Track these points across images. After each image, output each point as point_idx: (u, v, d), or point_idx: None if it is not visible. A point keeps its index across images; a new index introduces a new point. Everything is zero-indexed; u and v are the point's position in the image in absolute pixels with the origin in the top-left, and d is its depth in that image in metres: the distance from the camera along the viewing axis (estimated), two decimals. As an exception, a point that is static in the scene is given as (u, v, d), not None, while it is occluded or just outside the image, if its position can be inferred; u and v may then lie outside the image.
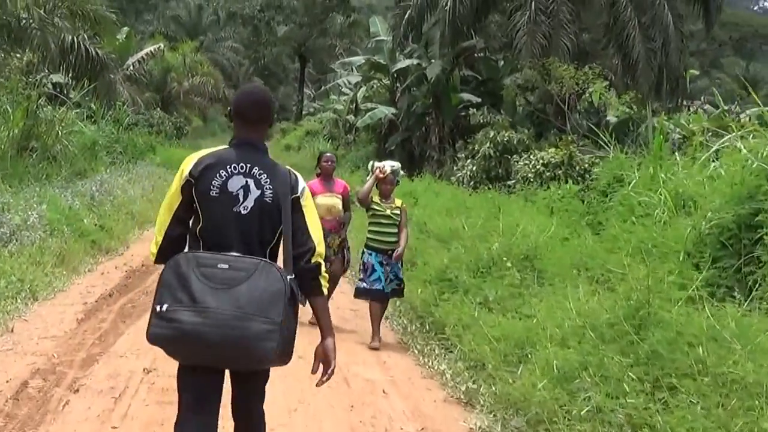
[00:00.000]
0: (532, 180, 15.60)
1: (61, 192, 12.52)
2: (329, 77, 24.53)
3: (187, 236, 3.21)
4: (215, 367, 3.11)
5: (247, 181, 3.14)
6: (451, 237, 9.88)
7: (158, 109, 29.78)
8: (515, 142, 17.76)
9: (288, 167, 3.28)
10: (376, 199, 7.52)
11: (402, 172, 7.87)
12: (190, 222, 3.20)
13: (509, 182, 16.71)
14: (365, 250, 7.48)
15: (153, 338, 3.01)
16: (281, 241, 3.18)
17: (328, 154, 8.40)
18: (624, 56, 19.53)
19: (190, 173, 3.15)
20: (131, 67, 27.85)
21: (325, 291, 3.25)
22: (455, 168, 19.17)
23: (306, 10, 38.80)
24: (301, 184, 3.25)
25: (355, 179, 19.57)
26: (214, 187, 3.12)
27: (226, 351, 2.94)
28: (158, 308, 2.97)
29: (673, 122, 19.55)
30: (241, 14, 36.49)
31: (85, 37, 19.17)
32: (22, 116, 15.10)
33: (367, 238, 7.55)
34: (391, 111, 21.87)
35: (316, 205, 3.51)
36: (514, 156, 17.41)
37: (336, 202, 7.96)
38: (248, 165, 3.16)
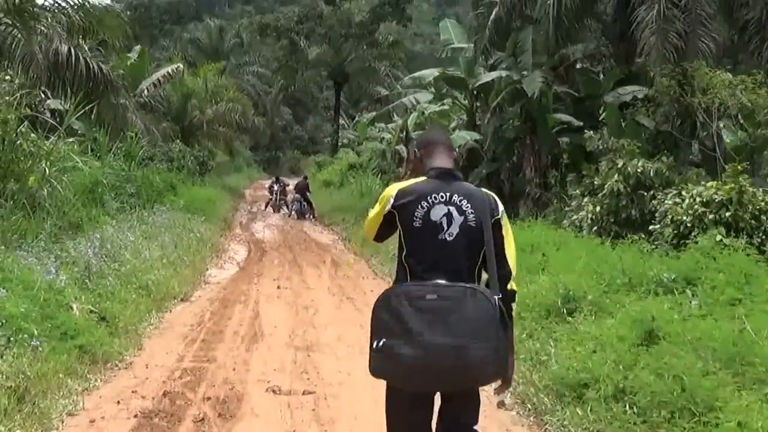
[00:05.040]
0: (689, 225, 11.56)
1: (39, 260, 8.52)
2: (392, 97, 20.59)
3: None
4: (434, 391, 3.29)
5: (449, 209, 3.31)
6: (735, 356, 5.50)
7: (178, 141, 25.98)
8: (651, 173, 13.66)
9: (484, 190, 3.47)
10: None
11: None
12: (396, 246, 3.40)
13: (653, 228, 12.61)
14: None
15: (375, 372, 3.24)
16: (485, 263, 3.31)
17: None
18: (780, 61, 15.44)
19: (393, 205, 3.35)
20: (145, 92, 24.20)
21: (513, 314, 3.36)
22: (566, 208, 15.12)
23: (349, 21, 34.74)
24: (500, 206, 3.39)
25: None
26: (416, 218, 3.30)
27: (445, 378, 3.12)
28: (375, 344, 3.16)
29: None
30: (275, 27, 32.36)
31: (86, 48, 15.37)
32: (-5, 148, 11.22)
33: None
34: (473, 137, 17.76)
35: None
36: (651, 192, 13.42)
37: None
38: (448, 193, 3.33)
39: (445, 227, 3.29)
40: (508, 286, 3.33)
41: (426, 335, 3.05)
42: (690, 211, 11.59)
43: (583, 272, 9.53)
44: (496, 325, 3.12)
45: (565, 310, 7.85)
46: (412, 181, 3.42)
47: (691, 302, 7.02)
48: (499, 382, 3.42)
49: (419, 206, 3.30)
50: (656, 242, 11.71)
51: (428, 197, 3.31)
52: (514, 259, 3.39)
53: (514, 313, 3.44)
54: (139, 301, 9.13)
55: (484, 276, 3.36)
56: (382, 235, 3.52)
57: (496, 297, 3.18)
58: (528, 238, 12.52)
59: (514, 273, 3.37)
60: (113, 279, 9.15)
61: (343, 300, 11.05)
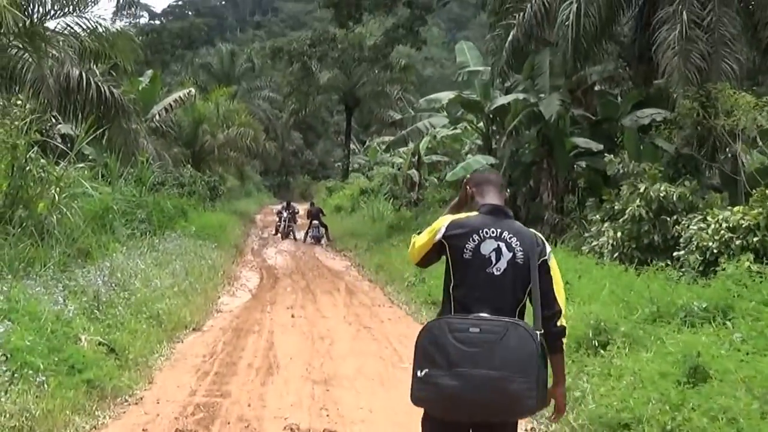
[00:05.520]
0: (715, 251, 11.17)
1: (47, 290, 8.22)
2: (406, 121, 20.31)
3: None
4: (474, 421, 3.35)
5: (498, 245, 3.41)
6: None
7: (189, 166, 25.76)
8: (674, 198, 13.26)
9: (532, 230, 3.56)
10: None
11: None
12: (443, 279, 3.53)
13: (677, 254, 12.20)
14: None
15: (416, 400, 3.35)
16: (529, 299, 3.44)
17: None
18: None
19: (444, 236, 3.46)
20: (157, 117, 24.02)
21: (565, 348, 3.52)
22: (585, 234, 14.73)
23: (361, 45, 34.65)
24: (548, 247, 3.49)
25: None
26: (467, 250, 3.41)
27: (485, 409, 3.22)
28: (419, 373, 3.28)
29: None
30: (287, 50, 32.23)
31: (97, 72, 15.18)
32: (5, 174, 10.97)
33: None
34: (489, 161, 17.43)
35: None
36: (675, 216, 13.02)
37: None
38: (498, 230, 3.44)
39: (494, 261, 3.39)
40: (559, 323, 3.42)
41: (467, 367, 3.17)
42: (716, 237, 11.22)
43: (609, 301, 9.26)
44: (537, 359, 3.21)
45: (596, 342, 7.47)
46: (464, 214, 3.54)
47: (733, 335, 6.62)
48: (553, 410, 3.59)
49: (470, 239, 3.41)
50: (682, 269, 11.32)
51: (480, 231, 3.43)
52: (563, 297, 3.47)
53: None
54: (149, 332, 8.80)
55: (529, 311, 3.45)
56: (426, 262, 3.60)
57: (537, 332, 3.28)
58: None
59: (564, 311, 3.46)
60: (123, 309, 8.84)
61: (360, 330, 10.69)
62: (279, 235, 26.68)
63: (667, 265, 11.47)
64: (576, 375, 6.89)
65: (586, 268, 11.96)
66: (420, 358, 3.30)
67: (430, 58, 67.86)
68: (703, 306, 8.02)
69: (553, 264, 3.49)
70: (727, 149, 15.01)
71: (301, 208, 32.03)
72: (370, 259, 18.62)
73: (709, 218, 12.24)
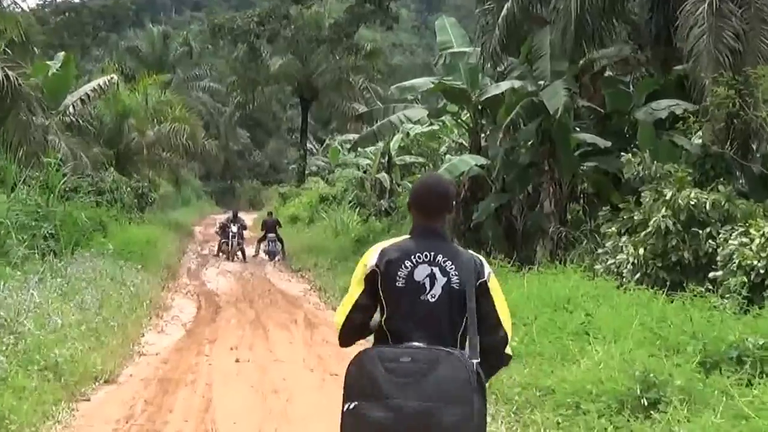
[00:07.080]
0: (762, 271, 10.44)
1: None
2: (376, 114, 19.35)
3: (370, 324, 3.74)
4: None
5: (432, 270, 3.61)
6: None
7: (111, 169, 24.98)
8: (707, 206, 12.56)
9: (471, 252, 3.77)
10: None
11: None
12: (376, 311, 3.71)
13: (714, 275, 11.63)
14: None
15: None
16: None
17: None
18: None
19: (376, 263, 3.63)
20: (71, 110, 22.88)
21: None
22: (599, 250, 14.00)
23: (319, 25, 33.58)
24: (487, 268, 3.69)
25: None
26: (400, 277, 3.61)
27: None
28: (348, 406, 3.45)
29: None
30: (230, 28, 30.83)
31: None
32: None
33: None
34: (478, 162, 16.63)
35: None
36: (708, 229, 12.33)
37: None
38: (432, 253, 3.63)
39: (428, 288, 3.58)
40: (505, 352, 3.66)
41: (397, 398, 3.35)
42: (762, 254, 10.85)
43: (642, 338, 8.53)
44: (471, 390, 3.38)
45: (645, 401, 6.53)
46: (393, 240, 3.73)
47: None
48: None
49: (403, 266, 3.59)
50: (726, 295, 10.73)
51: (412, 257, 3.60)
52: (509, 321, 3.66)
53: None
54: (42, 389, 7.75)
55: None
56: (354, 323, 3.67)
57: (474, 362, 3.46)
58: (559, 291, 11.60)
59: (509, 336, 3.66)
60: (6, 358, 7.75)
61: (326, 379, 9.73)
62: (223, 254, 25.63)
63: (708, 290, 10.84)
64: (623, 449, 5.93)
65: (605, 294, 11.42)
66: (349, 391, 3.46)
67: (399, 45, 67.71)
68: (760, 343, 7.58)
69: (494, 285, 3.65)
70: (755, 146, 14.38)
71: (249, 218, 31.33)
72: (334, 280, 17.93)
73: (752, 231, 11.65)
